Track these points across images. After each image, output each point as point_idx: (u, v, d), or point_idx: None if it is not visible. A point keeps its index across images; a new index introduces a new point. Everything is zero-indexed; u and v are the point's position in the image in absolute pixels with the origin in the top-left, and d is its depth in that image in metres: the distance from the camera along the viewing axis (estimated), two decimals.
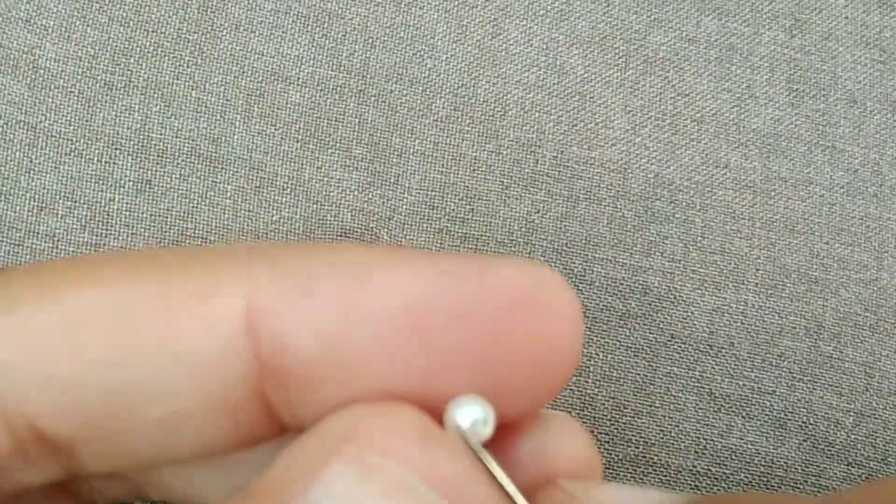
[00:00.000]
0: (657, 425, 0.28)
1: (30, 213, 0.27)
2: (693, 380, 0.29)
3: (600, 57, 0.30)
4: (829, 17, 0.31)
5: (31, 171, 0.27)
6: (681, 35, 0.30)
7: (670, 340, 0.29)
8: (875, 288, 0.30)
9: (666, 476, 0.28)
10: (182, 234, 0.27)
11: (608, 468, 0.28)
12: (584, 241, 0.29)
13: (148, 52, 0.28)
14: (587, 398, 0.28)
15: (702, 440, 0.29)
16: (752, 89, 0.31)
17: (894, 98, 0.31)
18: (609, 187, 0.29)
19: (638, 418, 0.28)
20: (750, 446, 0.29)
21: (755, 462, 0.29)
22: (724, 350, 0.29)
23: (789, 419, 0.29)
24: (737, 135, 0.30)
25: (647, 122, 0.30)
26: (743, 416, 0.29)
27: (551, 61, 0.30)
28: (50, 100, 0.27)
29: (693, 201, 0.30)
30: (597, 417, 0.28)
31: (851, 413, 0.29)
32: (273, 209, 0.28)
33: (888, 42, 0.31)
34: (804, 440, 0.29)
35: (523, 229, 0.29)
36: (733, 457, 0.28)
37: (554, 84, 0.30)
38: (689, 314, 0.29)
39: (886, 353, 0.30)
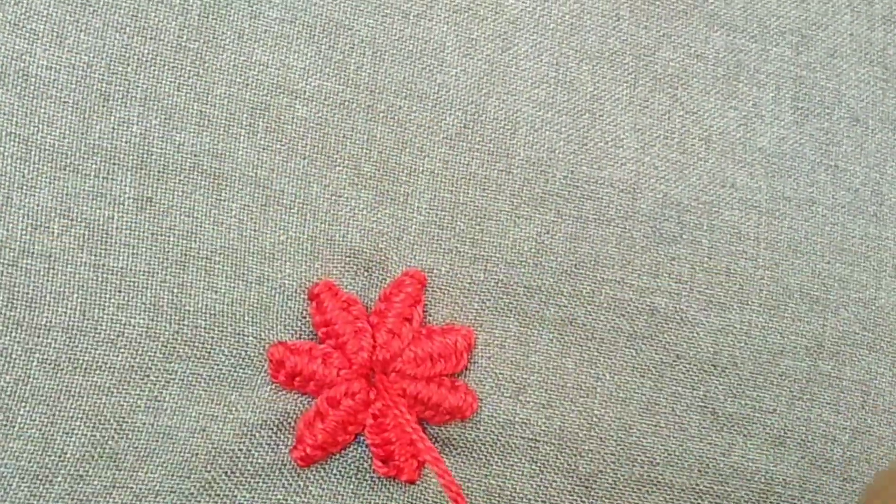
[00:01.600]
0: (662, 445, 0.30)
1: (24, 232, 0.27)
2: (697, 399, 0.30)
3: (610, 73, 0.31)
4: (835, 33, 0.33)
5: (24, 187, 0.27)
6: (689, 52, 0.32)
7: (676, 361, 0.30)
8: (873, 307, 0.32)
9: (670, 495, 0.30)
10: (186, 255, 0.27)
11: (614, 488, 0.29)
12: (593, 263, 0.30)
13: (146, 61, 0.28)
14: (594, 419, 0.30)
15: (704, 459, 0.30)
16: (758, 108, 0.32)
17: (895, 117, 0.33)
18: (618, 208, 0.31)
19: (644, 438, 0.30)
20: (750, 464, 0.30)
21: (755, 479, 0.30)
22: (727, 370, 0.31)
23: (788, 437, 0.31)
24: (743, 154, 0.32)
25: (656, 141, 0.31)
26: (744, 435, 0.31)
27: (561, 77, 0.31)
28: (42, 111, 0.27)
29: (700, 222, 0.31)
30: (603, 438, 0.30)
31: (848, 430, 0.31)
32: (280, 228, 0.28)
33: (891, 59, 0.33)
34: (802, 457, 0.31)
35: (533, 250, 0.30)
36: (734, 475, 0.30)
37: (564, 101, 0.31)
38: (695, 334, 0.31)
39: (882, 371, 0.32)
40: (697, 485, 0.30)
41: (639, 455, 0.30)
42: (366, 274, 0.29)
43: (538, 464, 0.29)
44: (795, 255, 0.32)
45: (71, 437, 0.27)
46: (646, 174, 0.31)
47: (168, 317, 0.27)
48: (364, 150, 0.29)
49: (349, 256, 0.29)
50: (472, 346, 0.29)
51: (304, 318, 0.28)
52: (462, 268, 0.30)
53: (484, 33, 0.31)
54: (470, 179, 0.30)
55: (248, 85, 0.29)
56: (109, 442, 0.27)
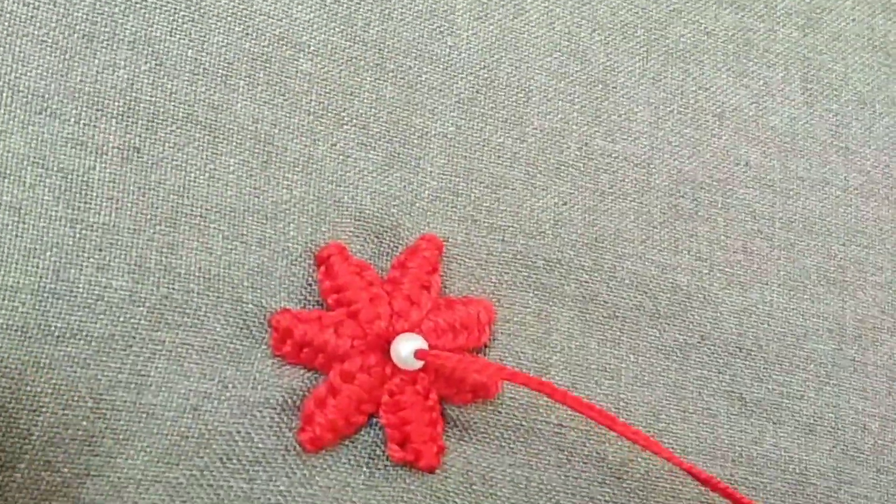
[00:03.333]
0: (693, 432, 0.29)
1: None
2: (724, 383, 0.30)
3: (622, 45, 0.32)
4: (839, 17, 0.34)
5: None
6: (700, 28, 0.33)
7: (701, 342, 0.30)
8: (890, 291, 0.33)
9: (704, 486, 0.29)
10: (177, 212, 0.26)
11: (646, 478, 0.28)
12: (613, 236, 0.30)
13: (135, 1, 0.27)
14: (621, 403, 0.29)
15: (736, 447, 0.30)
16: (769, 86, 0.33)
17: None
18: (634, 182, 0.31)
19: (673, 425, 0.29)
20: (783, 453, 0.30)
21: (789, 470, 0.30)
22: (753, 352, 0.31)
23: (818, 424, 0.31)
24: (756, 132, 0.33)
25: (670, 115, 0.32)
26: (773, 422, 0.30)
27: (573, 47, 0.31)
28: (17, 49, 0.26)
29: (715, 199, 0.31)
30: (632, 424, 0.29)
31: (877, 418, 0.31)
32: (283, 187, 0.27)
33: (892, 46, 0.35)
34: (834, 446, 0.31)
35: (551, 221, 0.29)
36: (768, 464, 0.30)
37: (576, 71, 0.31)
38: (719, 314, 0.30)
39: None
40: (732, 475, 0.30)
41: (669, 443, 0.29)
42: (376, 240, 0.28)
43: (565, 451, 0.28)
44: (810, 236, 0.33)
45: (38, 416, 0.24)
46: (660, 149, 0.32)
47: (155, 279, 0.26)
48: (373, 110, 0.29)
49: (359, 220, 0.28)
50: (493, 319, 0.28)
51: (310, 285, 0.27)
52: (479, 237, 0.29)
53: None
54: (484, 146, 0.30)
55: (247, 34, 0.28)
56: (83, 422, 0.25)
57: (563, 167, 0.31)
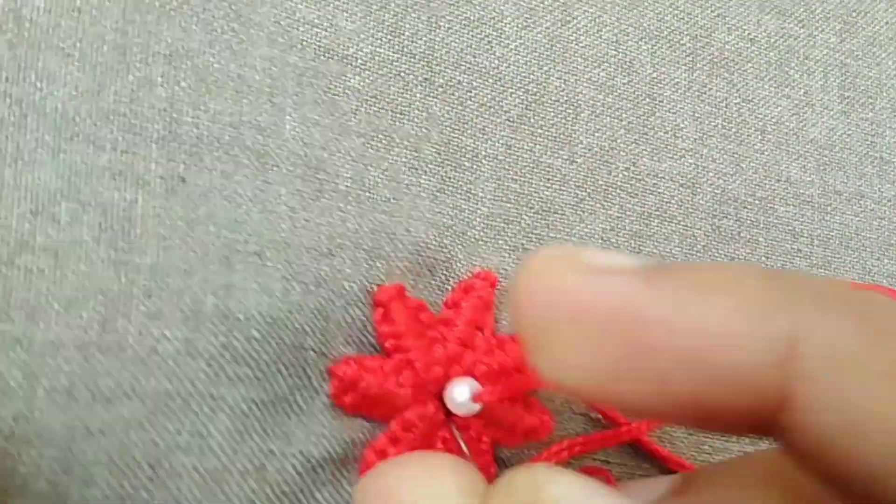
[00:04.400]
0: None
1: (21, 220, 0.23)
2: None
3: (668, 54, 0.32)
4: (873, 21, 0.36)
5: (20, 161, 0.24)
6: (743, 34, 0.34)
7: None
8: None
9: None
10: (231, 249, 0.25)
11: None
12: (657, 261, 0.31)
13: (170, 9, 0.25)
14: (666, 434, 0.30)
15: None
16: (808, 96, 0.35)
17: None
18: (679, 203, 0.32)
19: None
20: None
21: None
22: None
23: None
24: (796, 146, 0.34)
25: (714, 130, 0.33)
26: None
27: (621, 57, 0.32)
28: (41, 65, 0.24)
29: (757, 219, 0.33)
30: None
31: None
32: (337, 219, 0.26)
33: None
34: None
35: (599, 247, 0.30)
36: None
37: (624, 84, 0.32)
38: None
39: None
40: None
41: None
42: (429, 273, 0.28)
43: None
44: (846, 252, 0.35)
45: (90, 489, 0.24)
46: (704, 167, 0.33)
47: (213, 327, 0.25)
48: (423, 130, 0.29)
49: (412, 254, 0.28)
50: None
51: (366, 327, 0.27)
52: None
53: (543, 2, 0.31)
54: (534, 168, 0.30)
55: (292, 46, 0.27)
56: (142, 492, 0.24)
57: (611, 189, 0.31)
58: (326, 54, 0.28)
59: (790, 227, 0.34)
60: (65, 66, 0.25)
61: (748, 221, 0.34)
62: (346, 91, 0.28)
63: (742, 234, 0.34)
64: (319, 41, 0.28)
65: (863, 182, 0.36)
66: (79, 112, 0.25)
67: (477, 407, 0.27)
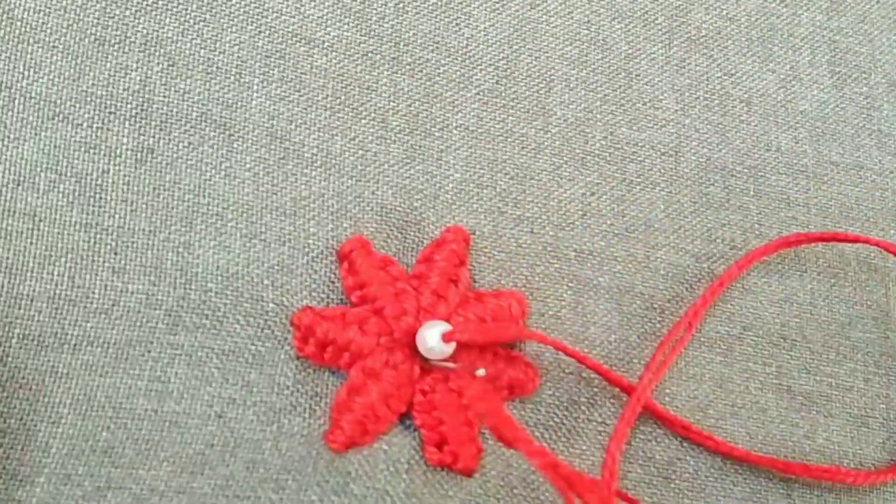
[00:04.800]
0: (743, 427, 0.28)
1: (5, 188, 0.25)
2: (771, 375, 0.29)
3: (643, 32, 0.32)
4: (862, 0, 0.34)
5: (6, 139, 0.25)
6: (721, 13, 0.32)
7: (743, 332, 0.29)
8: None
9: (756, 485, 0.28)
10: (193, 211, 0.26)
11: (695, 478, 0.28)
12: (643, 226, 0.30)
13: (147, 3, 0.27)
14: (667, 398, 0.28)
15: (788, 442, 0.29)
16: (795, 70, 0.33)
17: None
18: (662, 171, 0.30)
19: (722, 420, 0.28)
20: (836, 447, 0.29)
21: (844, 464, 0.29)
22: (798, 343, 0.30)
23: (870, 416, 0.30)
24: (785, 117, 0.32)
25: (696, 102, 0.31)
26: (825, 415, 0.29)
27: (594, 35, 0.31)
28: (29, 56, 0.26)
29: (747, 187, 0.31)
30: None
31: None
32: (301, 183, 0.27)
33: None
34: (887, 438, 0.30)
35: (580, 212, 0.29)
36: (822, 460, 0.29)
37: (598, 60, 0.31)
38: (759, 304, 0.30)
39: None
40: (785, 472, 0.29)
41: (722, 439, 0.29)
42: (400, 235, 0.28)
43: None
44: (847, 222, 0.32)
45: (56, 428, 0.24)
46: (687, 137, 0.31)
47: (172, 280, 0.25)
48: (391, 103, 0.29)
49: (381, 215, 0.28)
50: (527, 313, 0.27)
51: (333, 282, 0.27)
52: (507, 229, 0.28)
53: None
54: (507, 137, 0.29)
55: (260, 32, 0.28)
56: (103, 433, 0.24)
57: (588, 157, 0.30)
58: (294, 38, 0.29)
59: (784, 196, 0.32)
60: (50, 57, 0.27)
61: (737, 189, 0.32)
62: (313, 70, 0.29)
63: (731, 202, 0.32)
64: (287, 27, 0.29)
65: (861, 153, 0.34)
66: (60, 95, 0.26)
67: (449, 349, 0.25)
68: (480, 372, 0.26)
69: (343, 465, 0.25)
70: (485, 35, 0.30)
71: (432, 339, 0.25)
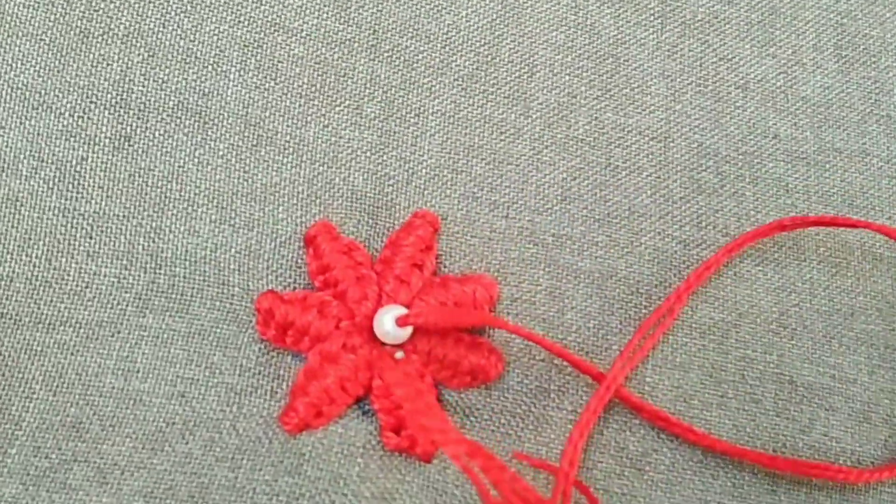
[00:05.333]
0: (730, 419, 0.27)
1: None
2: (771, 365, 0.28)
3: (634, 17, 0.31)
4: None
5: None
6: None
7: (739, 320, 0.28)
8: None
9: (739, 479, 0.27)
10: (165, 197, 0.26)
11: (671, 470, 0.26)
12: (627, 212, 0.29)
13: None
14: (646, 387, 0.27)
15: (780, 436, 0.27)
16: (798, 55, 0.31)
17: None
18: (650, 156, 0.29)
19: (707, 411, 0.27)
20: (834, 444, 0.27)
21: (840, 461, 0.27)
22: (798, 332, 0.28)
23: (872, 411, 0.28)
24: (785, 103, 0.31)
25: (688, 88, 0.30)
26: (826, 408, 0.27)
27: (581, 20, 0.30)
28: (16, 48, 0.27)
29: (742, 173, 0.30)
30: (660, 408, 0.27)
31: None
32: (272, 170, 0.27)
33: None
34: (890, 435, 0.28)
35: (559, 196, 0.28)
36: (816, 455, 0.27)
37: (585, 45, 0.30)
38: (754, 291, 0.28)
39: None
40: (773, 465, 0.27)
41: (702, 430, 0.27)
42: (370, 220, 0.27)
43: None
44: (851, 209, 0.31)
45: (29, 403, 0.25)
46: (677, 122, 0.30)
47: (142, 265, 0.26)
48: (366, 90, 0.29)
49: (351, 201, 0.27)
50: (496, 298, 0.27)
51: (300, 267, 0.27)
52: (480, 213, 0.28)
53: None
54: (485, 122, 0.29)
55: (238, 22, 0.28)
56: (72, 408, 0.25)
57: (571, 142, 0.30)
58: (272, 27, 0.29)
59: (782, 183, 0.31)
60: (36, 49, 0.27)
61: (731, 175, 0.30)
62: (290, 59, 0.29)
63: (725, 188, 0.30)
64: (265, 16, 0.29)
65: (867, 140, 0.32)
66: (44, 86, 0.27)
67: (405, 333, 0.25)
68: (399, 354, 0.25)
69: (297, 446, 0.25)
70: (466, 21, 0.30)
71: (387, 322, 0.25)
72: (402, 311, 0.25)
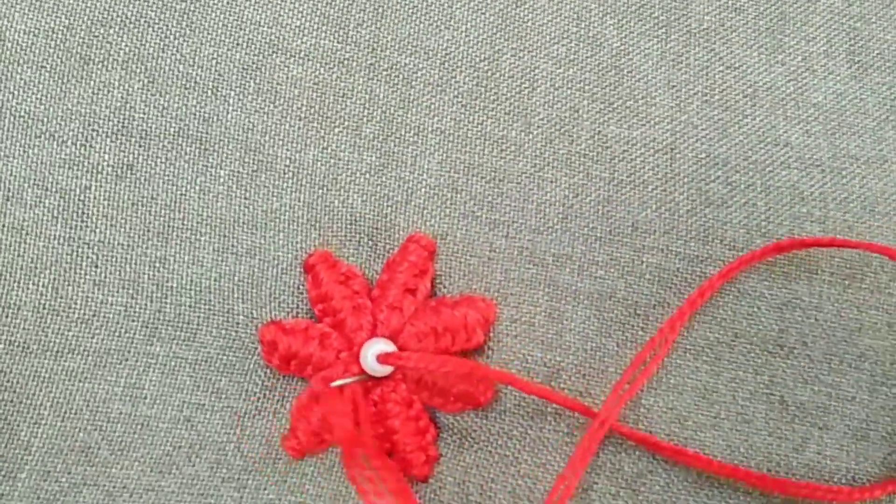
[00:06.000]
0: (723, 439, 0.27)
1: None
2: (762, 385, 0.27)
3: (637, 27, 0.30)
4: None
5: None
6: (726, 4, 0.30)
7: (734, 340, 0.28)
8: None
9: (735, 500, 0.27)
10: (168, 226, 0.26)
11: (666, 490, 0.26)
12: (630, 228, 0.28)
13: (129, 23, 0.28)
14: (642, 409, 0.27)
15: (774, 455, 0.27)
16: (808, 62, 0.30)
17: None
18: (655, 169, 0.29)
19: (701, 431, 0.27)
20: (828, 462, 0.27)
21: (834, 480, 0.27)
22: (796, 350, 0.28)
23: (871, 430, 0.28)
24: (796, 110, 0.30)
25: (694, 98, 0.30)
26: (819, 427, 0.27)
27: (583, 32, 0.30)
28: (18, 76, 0.27)
29: (753, 182, 0.29)
30: (653, 432, 0.27)
31: None
32: (273, 196, 0.27)
33: None
34: (889, 453, 0.27)
35: (560, 214, 0.28)
36: (810, 474, 0.27)
37: (587, 58, 0.29)
38: (756, 309, 0.28)
39: None
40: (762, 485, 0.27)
41: (695, 451, 0.27)
42: (370, 243, 0.27)
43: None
44: (871, 216, 0.30)
45: (38, 428, 0.25)
46: (683, 133, 0.30)
47: (149, 294, 0.26)
48: (365, 111, 0.28)
49: (350, 224, 0.28)
50: (491, 320, 0.27)
51: (301, 293, 0.27)
52: (480, 234, 0.28)
53: None
54: (485, 139, 0.29)
55: (237, 45, 0.28)
56: (81, 434, 0.25)
57: (573, 157, 0.29)
58: (270, 49, 0.29)
59: (796, 191, 0.30)
60: (38, 76, 0.28)
61: (741, 185, 0.30)
62: (288, 80, 0.29)
63: (734, 198, 0.30)
64: (264, 38, 0.29)
65: (884, 146, 0.31)
66: (47, 114, 0.27)
67: (387, 369, 0.26)
68: (337, 382, 0.25)
69: (300, 466, 0.26)
70: (466, 36, 0.30)
71: (369, 358, 0.25)
72: (386, 345, 0.26)
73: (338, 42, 0.29)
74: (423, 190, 0.28)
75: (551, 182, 0.29)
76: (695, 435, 0.28)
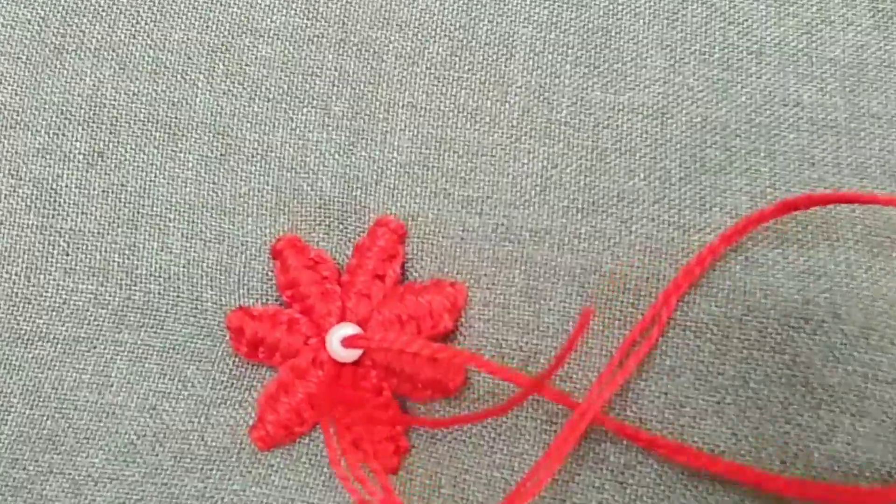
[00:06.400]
0: (728, 428, 0.24)
1: None
2: (781, 366, 0.24)
3: None
4: None
5: None
6: None
7: (747, 314, 0.25)
8: None
9: (736, 493, 0.24)
10: (138, 213, 0.26)
11: (660, 484, 0.24)
12: (616, 198, 0.26)
13: (102, 11, 0.27)
14: (633, 395, 0.25)
15: (792, 446, 0.24)
16: (824, 12, 0.28)
17: None
18: (644, 135, 0.27)
19: (703, 419, 0.24)
20: (859, 454, 0.24)
21: (866, 475, 0.24)
22: (825, 324, 0.25)
23: None
24: (808, 67, 0.27)
25: (690, 57, 0.27)
26: (852, 413, 0.24)
27: None
28: None
29: (756, 147, 0.26)
30: (644, 419, 0.24)
31: None
32: (241, 180, 0.26)
33: None
34: None
35: (538, 187, 0.26)
36: (835, 467, 0.24)
37: (571, 19, 0.27)
38: (771, 279, 0.25)
39: None
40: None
41: (695, 441, 0.25)
42: (340, 226, 0.26)
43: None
44: (893, 182, 0.26)
45: (6, 416, 0.26)
46: (677, 96, 0.27)
47: (118, 281, 0.26)
48: (335, 88, 0.27)
49: (320, 207, 0.27)
50: (461, 305, 0.26)
51: (271, 279, 0.26)
52: (452, 212, 0.26)
53: None
54: (458, 112, 0.27)
55: (206, 27, 0.28)
56: (48, 421, 0.25)
57: (552, 126, 0.27)
58: (239, 29, 0.28)
59: (806, 155, 0.27)
60: (13, 68, 0.28)
61: (742, 150, 0.27)
62: (257, 61, 0.28)
63: (734, 165, 0.27)
64: (233, 18, 0.28)
65: None
66: (21, 104, 0.28)
67: (354, 354, 0.25)
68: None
69: (265, 456, 0.25)
70: (440, 4, 0.28)
71: (335, 342, 0.24)
72: (352, 330, 0.24)
73: (307, 19, 0.28)
74: (393, 169, 0.27)
75: (528, 153, 0.27)
76: (693, 423, 0.25)
